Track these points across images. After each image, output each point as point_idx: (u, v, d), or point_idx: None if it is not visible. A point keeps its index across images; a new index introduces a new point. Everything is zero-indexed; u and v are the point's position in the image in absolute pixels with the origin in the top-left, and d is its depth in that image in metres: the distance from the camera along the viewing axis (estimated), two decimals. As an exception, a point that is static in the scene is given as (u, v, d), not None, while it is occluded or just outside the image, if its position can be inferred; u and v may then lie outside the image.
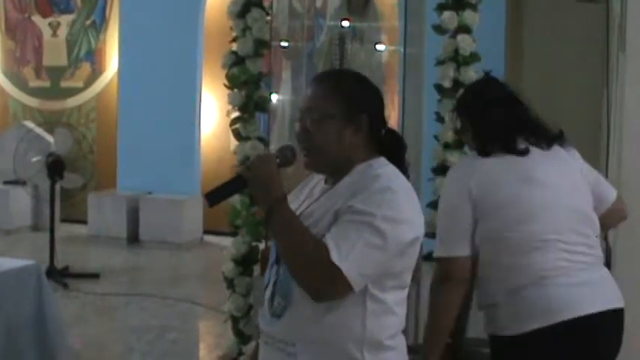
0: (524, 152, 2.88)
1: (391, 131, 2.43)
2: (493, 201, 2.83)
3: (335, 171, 2.35)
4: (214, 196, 2.26)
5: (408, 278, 2.32)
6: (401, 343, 2.35)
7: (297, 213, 2.31)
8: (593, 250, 2.89)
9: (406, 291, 2.33)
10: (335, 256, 2.11)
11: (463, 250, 2.88)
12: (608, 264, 3.31)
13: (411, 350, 2.47)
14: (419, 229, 2.26)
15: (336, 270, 2.11)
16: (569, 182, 2.91)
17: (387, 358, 2.29)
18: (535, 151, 2.90)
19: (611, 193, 3.09)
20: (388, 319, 2.27)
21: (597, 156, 7.32)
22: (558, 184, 2.87)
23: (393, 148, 2.39)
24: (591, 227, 2.91)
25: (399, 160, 2.37)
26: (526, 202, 2.82)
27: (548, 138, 2.96)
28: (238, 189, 2.28)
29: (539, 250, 2.80)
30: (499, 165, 2.88)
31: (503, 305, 2.85)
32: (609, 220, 3.12)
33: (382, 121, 2.39)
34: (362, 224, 2.15)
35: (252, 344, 4.13)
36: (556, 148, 2.96)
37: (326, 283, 2.15)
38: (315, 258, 2.13)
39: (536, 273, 2.79)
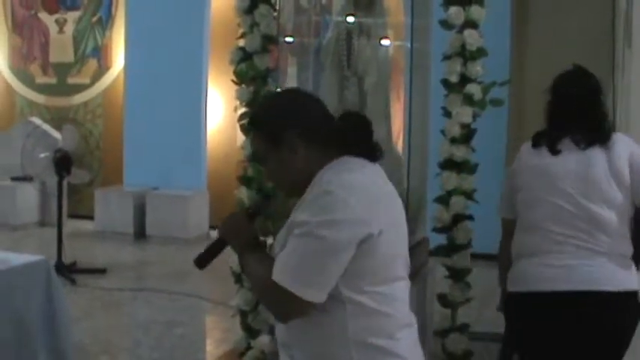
0: (556, 152, 3.36)
1: (347, 115, 2.46)
2: (520, 182, 3.45)
3: (303, 188, 2.33)
4: (202, 260, 2.50)
5: (387, 275, 2.28)
6: (396, 343, 2.29)
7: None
8: (591, 243, 3.26)
9: (393, 287, 2.29)
10: (276, 276, 2.17)
11: (507, 213, 3.57)
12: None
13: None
14: (369, 225, 2.19)
15: (278, 287, 2.16)
16: (584, 184, 3.28)
17: (379, 358, 2.27)
18: (567, 153, 3.34)
19: None
20: (372, 319, 2.25)
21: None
22: (572, 187, 3.29)
23: (355, 130, 2.38)
24: (599, 227, 3.25)
25: (364, 140, 2.37)
26: (536, 191, 3.37)
27: (588, 141, 3.31)
28: (221, 248, 2.49)
29: (534, 233, 3.37)
30: (534, 156, 3.42)
31: (512, 267, 3.47)
32: None
33: (316, 121, 2.36)
34: (300, 236, 2.18)
35: (261, 338, 4.16)
36: (593, 150, 3.31)
37: (277, 304, 2.23)
38: (262, 284, 2.24)
39: (529, 249, 3.38)
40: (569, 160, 3.33)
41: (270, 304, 2.27)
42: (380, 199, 2.28)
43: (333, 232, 2.15)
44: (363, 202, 2.20)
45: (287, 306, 2.19)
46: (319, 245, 2.15)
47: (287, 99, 2.46)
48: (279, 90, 2.67)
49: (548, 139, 3.40)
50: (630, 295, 3.31)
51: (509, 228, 3.57)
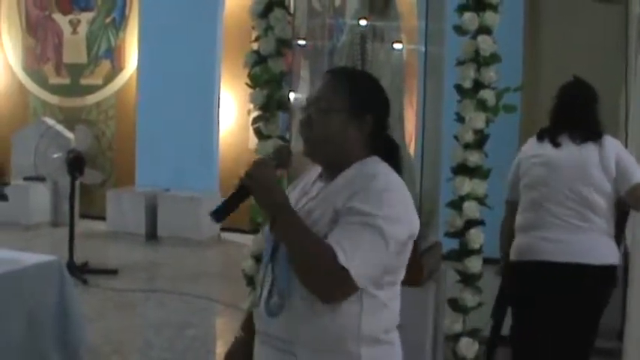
0: (557, 145, 4.10)
1: (388, 137, 2.46)
2: (524, 169, 4.19)
3: (331, 164, 2.37)
4: (220, 212, 2.26)
5: (402, 274, 2.35)
6: (396, 337, 2.38)
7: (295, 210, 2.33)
8: (581, 221, 3.99)
9: (399, 286, 2.36)
10: (342, 259, 2.13)
11: (511, 197, 4.30)
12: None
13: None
14: (415, 227, 2.30)
15: (345, 272, 2.14)
16: (578, 172, 4.01)
17: (384, 352, 2.33)
18: (566, 146, 4.08)
19: (630, 180, 3.99)
20: (383, 314, 2.29)
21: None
22: (566, 173, 4.02)
23: (389, 151, 2.42)
24: (589, 208, 4.00)
25: (393, 163, 2.40)
26: (537, 176, 4.11)
27: (583, 137, 4.05)
28: (242, 199, 2.26)
29: (532, 210, 4.12)
30: (538, 148, 4.15)
31: (515, 240, 4.18)
32: (629, 199, 4.04)
33: (385, 125, 2.43)
34: (364, 225, 2.18)
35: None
36: (586, 145, 4.04)
37: (335, 286, 2.18)
38: (323, 262, 2.15)
39: (530, 225, 4.11)
40: (567, 152, 4.06)
41: (324, 282, 2.18)
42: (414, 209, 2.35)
43: (395, 228, 2.21)
44: (411, 205, 2.30)
45: (343, 290, 2.18)
46: (381, 240, 2.19)
47: (385, 92, 2.47)
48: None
49: (550, 134, 4.13)
50: (610, 268, 4.05)
51: (511, 209, 4.29)
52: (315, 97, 2.39)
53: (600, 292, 4.09)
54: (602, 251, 4.03)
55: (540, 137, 4.18)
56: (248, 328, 2.57)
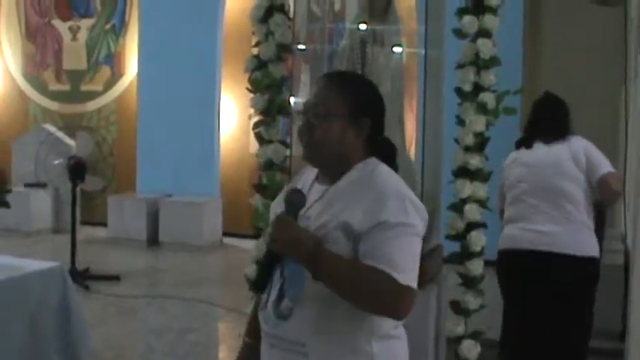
0: (529, 147, 4.58)
1: (385, 138, 2.49)
2: (505, 174, 4.61)
3: (331, 167, 2.39)
4: (260, 284, 2.31)
5: None
6: (403, 332, 2.42)
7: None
8: (561, 212, 4.33)
9: None
10: (402, 278, 2.16)
11: (501, 204, 4.66)
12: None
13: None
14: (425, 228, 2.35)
15: (408, 289, 2.17)
16: (551, 166, 4.41)
17: (393, 346, 2.36)
18: (537, 147, 4.54)
19: (600, 171, 4.38)
20: None
21: (615, 157, 7.35)
22: (541, 169, 4.43)
23: (387, 152, 2.45)
24: (565, 198, 4.35)
25: (390, 164, 2.44)
26: (516, 176, 4.53)
27: (552, 138, 4.52)
28: (275, 263, 2.26)
29: (515, 205, 4.51)
30: (515, 154, 4.63)
31: (501, 232, 4.56)
32: (600, 190, 4.40)
33: (382, 127, 2.46)
34: (402, 236, 2.21)
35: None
36: (556, 144, 4.49)
37: (404, 304, 2.20)
38: (384, 288, 2.16)
39: (511, 217, 4.51)
40: (539, 151, 4.51)
41: (394, 305, 2.19)
42: None
43: (421, 232, 2.27)
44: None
45: (411, 303, 2.21)
46: (418, 246, 2.26)
47: (380, 94, 2.50)
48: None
49: (524, 141, 4.61)
50: (590, 260, 4.32)
51: (500, 202, 4.68)
52: (312, 102, 2.40)
53: (581, 283, 4.35)
54: (582, 243, 4.33)
55: (517, 146, 4.66)
56: (254, 332, 2.57)
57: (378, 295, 2.18)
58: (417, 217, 2.26)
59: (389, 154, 2.45)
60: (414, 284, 2.20)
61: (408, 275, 2.19)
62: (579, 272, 4.33)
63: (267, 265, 2.27)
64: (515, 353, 4.58)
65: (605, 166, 4.42)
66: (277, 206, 2.46)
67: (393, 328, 2.35)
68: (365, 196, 2.27)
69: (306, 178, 2.51)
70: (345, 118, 2.36)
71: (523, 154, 4.58)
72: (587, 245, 4.36)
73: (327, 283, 2.20)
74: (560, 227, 4.33)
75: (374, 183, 2.30)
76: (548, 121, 4.59)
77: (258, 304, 2.51)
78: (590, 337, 4.50)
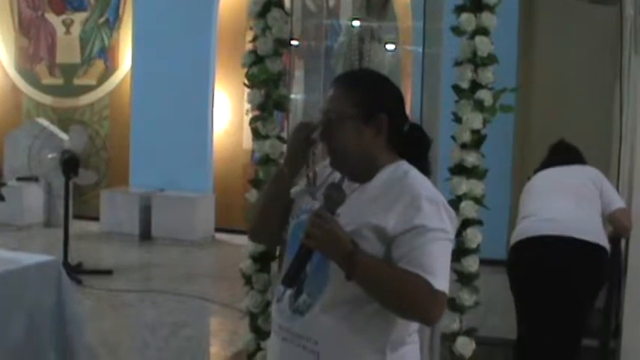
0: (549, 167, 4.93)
1: (415, 127, 2.46)
2: (529, 187, 4.92)
3: (359, 172, 2.34)
4: (292, 279, 2.23)
5: None
6: (417, 338, 2.41)
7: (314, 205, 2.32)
8: (573, 205, 4.52)
9: None
10: (436, 283, 2.15)
11: None
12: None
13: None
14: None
15: (441, 294, 2.17)
16: (567, 174, 4.78)
17: (407, 353, 2.34)
18: (558, 169, 4.88)
19: (612, 206, 4.64)
20: None
21: (609, 156, 7.37)
22: (558, 176, 4.80)
23: (417, 145, 2.42)
24: (579, 196, 4.59)
25: (421, 157, 2.42)
26: (531, 184, 4.91)
27: (571, 161, 4.88)
28: (308, 259, 2.20)
29: (529, 203, 4.77)
30: (542, 174, 4.94)
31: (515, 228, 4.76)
32: (612, 223, 4.71)
33: (402, 119, 2.41)
34: (439, 241, 2.21)
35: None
36: (575, 166, 4.85)
37: (437, 310, 2.20)
38: (419, 293, 2.15)
39: (525, 214, 4.72)
40: (557, 168, 4.87)
41: (426, 310, 2.18)
42: None
43: (452, 237, 2.28)
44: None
45: (443, 308, 2.21)
46: (449, 249, 2.26)
47: (394, 86, 2.45)
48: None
49: (546, 166, 4.96)
50: (600, 248, 4.45)
51: None
52: (325, 108, 2.37)
53: (592, 269, 4.47)
54: (593, 231, 4.48)
55: (539, 169, 5.02)
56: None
57: (413, 299, 2.17)
58: (450, 223, 2.26)
59: (419, 149, 2.42)
60: (447, 289, 2.19)
61: (442, 280, 2.18)
62: (589, 258, 4.45)
63: (301, 262, 2.21)
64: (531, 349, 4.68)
65: (617, 201, 4.69)
66: (300, 200, 2.46)
67: (409, 335, 2.34)
68: (399, 199, 2.24)
69: (326, 169, 2.47)
70: (358, 118, 2.31)
71: (544, 174, 4.92)
72: (597, 234, 4.49)
73: (361, 283, 2.17)
74: (571, 215, 4.51)
75: (408, 187, 2.27)
76: (565, 156, 4.94)
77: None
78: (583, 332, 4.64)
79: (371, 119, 2.32)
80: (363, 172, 2.35)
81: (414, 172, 2.33)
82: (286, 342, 2.35)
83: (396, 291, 2.18)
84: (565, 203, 4.58)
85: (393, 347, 2.29)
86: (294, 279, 2.23)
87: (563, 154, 4.98)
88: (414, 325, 2.36)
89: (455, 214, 2.33)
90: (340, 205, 2.22)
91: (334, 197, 2.22)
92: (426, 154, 2.45)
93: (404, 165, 2.35)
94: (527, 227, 4.63)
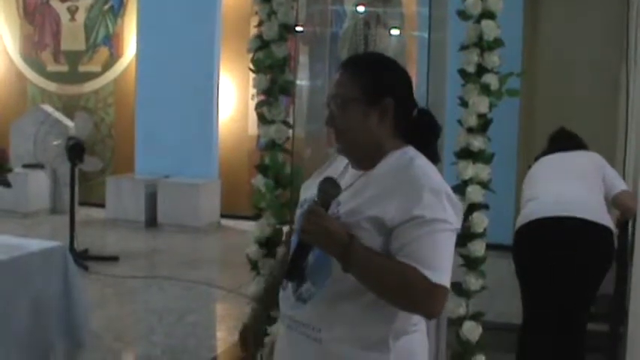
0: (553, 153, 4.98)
1: (423, 112, 2.40)
2: (532, 173, 5.00)
3: (365, 157, 2.32)
4: (293, 274, 2.24)
5: None
6: (423, 326, 2.37)
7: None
8: (576, 187, 4.61)
9: None
10: (433, 276, 2.11)
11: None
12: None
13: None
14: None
15: (440, 288, 2.13)
16: (571, 161, 4.83)
17: (411, 342, 2.31)
18: (560, 154, 4.93)
19: (615, 189, 4.69)
20: None
21: (614, 141, 7.36)
22: (560, 160, 4.86)
23: (426, 131, 2.37)
24: (582, 179, 4.67)
25: (430, 144, 2.37)
26: (535, 168, 4.97)
27: (572, 147, 4.95)
28: (307, 253, 2.21)
29: (534, 186, 4.83)
30: (544, 159, 4.99)
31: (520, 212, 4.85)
32: (616, 206, 4.76)
33: (410, 104, 2.36)
34: (439, 232, 2.15)
35: (277, 326, 4.18)
36: (577, 151, 4.91)
37: (436, 303, 2.16)
38: (415, 286, 2.12)
39: (530, 196, 4.77)
40: (559, 155, 4.91)
41: (424, 303, 2.15)
42: None
43: (456, 228, 2.21)
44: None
45: (443, 302, 2.18)
46: (453, 234, 2.20)
47: (402, 70, 2.41)
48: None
49: (549, 152, 5.01)
50: (605, 229, 4.48)
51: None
52: (332, 93, 2.34)
53: (597, 249, 4.52)
54: (597, 211, 4.53)
55: (542, 155, 5.06)
56: (267, 302, 2.57)
57: (410, 293, 2.14)
58: (454, 213, 2.20)
59: (427, 136, 2.37)
60: (447, 282, 2.15)
61: (441, 273, 2.13)
62: (594, 238, 4.51)
63: (298, 256, 2.22)
64: (533, 331, 4.73)
65: (620, 184, 4.76)
66: (307, 191, 2.44)
67: (413, 325, 2.31)
68: (400, 188, 2.20)
69: (338, 163, 2.46)
70: (363, 101, 2.28)
71: (547, 160, 4.97)
72: (602, 215, 4.55)
73: (357, 276, 2.16)
74: (575, 196, 4.58)
75: (410, 175, 2.22)
76: (566, 143, 4.99)
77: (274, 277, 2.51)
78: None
79: (376, 103, 2.28)
80: (368, 158, 2.32)
81: (420, 160, 2.28)
82: (291, 330, 2.35)
83: (392, 286, 2.15)
84: (569, 186, 4.65)
85: (396, 336, 2.26)
86: (293, 273, 2.24)
87: (565, 141, 5.03)
88: (416, 317, 2.31)
89: (461, 204, 2.29)
90: (334, 199, 2.21)
91: (329, 191, 2.22)
92: (434, 140, 2.40)
93: (410, 151, 2.30)
94: (532, 210, 4.67)
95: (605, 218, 4.56)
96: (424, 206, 2.14)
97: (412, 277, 2.10)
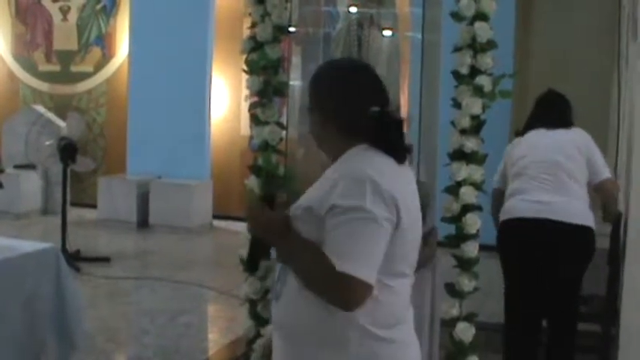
0: (532, 130, 4.93)
1: (377, 111, 2.36)
2: (510, 153, 4.95)
3: (334, 159, 2.40)
4: (253, 264, 2.61)
5: (396, 269, 2.31)
6: (403, 336, 2.35)
7: None
8: (560, 184, 4.65)
9: (397, 282, 2.32)
10: (341, 265, 2.12)
11: (499, 184, 5.01)
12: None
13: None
14: (398, 211, 2.24)
15: (346, 276, 2.12)
16: (552, 145, 4.74)
17: (379, 347, 2.28)
18: (541, 131, 4.88)
19: (601, 175, 4.73)
20: (376, 308, 2.25)
21: (606, 142, 7.38)
22: (543, 146, 4.77)
23: (380, 129, 2.35)
24: (565, 172, 4.67)
25: (387, 141, 2.35)
26: (518, 154, 4.85)
27: (554, 124, 4.87)
28: (259, 245, 2.49)
29: (516, 180, 4.80)
30: (518, 140, 4.98)
31: (504, 205, 4.84)
32: (600, 192, 4.79)
33: (357, 108, 2.37)
34: (356, 221, 2.16)
35: (270, 327, 4.18)
36: (558, 130, 4.84)
37: (344, 293, 2.15)
38: (323, 273, 2.15)
39: (512, 191, 4.80)
40: (541, 133, 4.84)
41: (336, 293, 2.16)
42: (402, 193, 2.29)
43: (381, 217, 2.18)
44: (393, 189, 2.24)
45: (356, 293, 2.15)
46: (370, 228, 2.17)
47: (346, 74, 2.47)
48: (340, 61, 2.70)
49: (528, 128, 4.95)
50: (587, 229, 4.61)
51: (498, 197, 4.94)
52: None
53: (578, 252, 4.66)
54: (579, 213, 4.63)
55: (517, 135, 5.05)
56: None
57: (318, 282, 2.19)
58: (379, 202, 2.18)
59: (383, 134, 2.36)
60: (358, 272, 2.13)
61: (351, 262, 2.13)
62: (576, 240, 4.63)
63: (252, 249, 2.51)
64: (515, 331, 4.87)
65: (605, 171, 4.79)
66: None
67: (385, 330, 2.28)
68: (329, 180, 2.27)
69: None
70: (319, 109, 2.41)
71: (526, 136, 4.92)
72: (584, 215, 4.65)
73: (292, 268, 2.29)
74: (558, 197, 4.63)
75: (341, 167, 2.30)
76: (551, 113, 4.92)
77: None
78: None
79: (327, 108, 2.40)
80: (335, 159, 2.39)
81: (361, 152, 2.32)
82: (274, 330, 2.44)
83: (308, 274, 2.23)
84: (552, 184, 4.68)
85: (359, 339, 2.24)
86: (250, 265, 2.57)
87: (551, 113, 4.96)
88: (382, 318, 2.28)
89: (392, 193, 2.21)
90: (277, 194, 2.46)
91: (272, 188, 2.56)
92: (393, 137, 2.37)
93: (360, 148, 2.34)
94: (517, 206, 4.74)
95: (588, 218, 4.68)
96: (341, 195, 2.19)
97: (322, 266, 2.14)
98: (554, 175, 4.68)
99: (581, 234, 4.64)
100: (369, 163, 2.27)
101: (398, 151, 2.37)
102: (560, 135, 4.82)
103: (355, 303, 2.17)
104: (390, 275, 2.28)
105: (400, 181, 2.31)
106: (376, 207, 2.17)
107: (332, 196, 2.19)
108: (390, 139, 2.36)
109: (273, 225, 2.33)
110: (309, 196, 2.30)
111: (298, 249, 2.26)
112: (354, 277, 2.12)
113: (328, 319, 2.23)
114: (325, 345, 2.25)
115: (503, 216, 4.81)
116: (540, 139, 4.85)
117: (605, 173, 4.80)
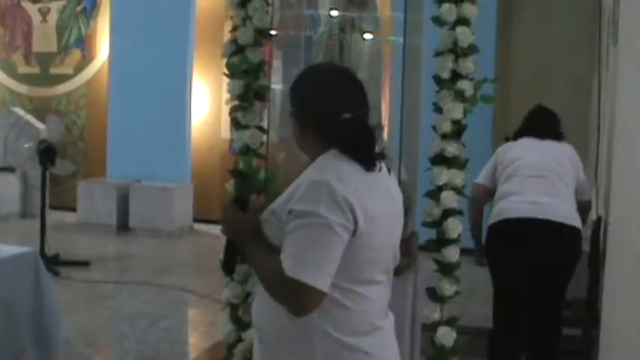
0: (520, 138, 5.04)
1: (347, 118, 2.34)
2: (500, 156, 4.97)
3: (311, 162, 2.41)
4: (228, 266, 2.64)
5: (363, 276, 2.29)
6: (366, 340, 2.31)
7: None
8: (549, 186, 4.72)
9: (367, 289, 2.30)
10: (289, 269, 2.12)
11: (486, 181, 4.99)
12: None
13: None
14: (357, 217, 2.21)
15: (294, 282, 2.12)
16: (543, 151, 4.87)
17: (347, 357, 2.27)
18: (531, 139, 4.97)
19: (585, 195, 4.97)
20: (342, 315, 2.25)
21: (586, 148, 7.41)
22: (534, 152, 4.88)
23: (349, 136, 2.33)
24: (556, 175, 4.76)
25: (356, 148, 2.32)
26: (510, 158, 4.89)
27: (545, 135, 4.96)
28: (233, 246, 2.49)
29: (507, 182, 4.82)
30: (513, 145, 5.02)
31: (494, 207, 4.87)
32: (581, 210, 4.85)
33: (332, 115, 2.35)
34: (309, 227, 2.16)
35: (251, 331, 4.16)
36: (547, 140, 4.94)
37: (294, 298, 2.16)
38: (274, 278, 2.18)
39: (503, 193, 4.81)
40: (532, 141, 4.95)
41: (286, 298, 2.17)
42: (362, 200, 2.25)
43: (337, 223, 2.16)
44: (350, 195, 2.20)
45: (305, 299, 2.14)
46: (324, 234, 2.15)
47: (322, 80, 2.48)
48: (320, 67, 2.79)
49: (519, 137, 5.03)
50: (576, 230, 4.69)
51: (483, 194, 4.97)
52: None
53: (567, 252, 4.72)
54: (569, 214, 4.71)
55: (514, 139, 5.10)
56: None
57: (272, 287, 2.23)
58: (334, 208, 2.16)
59: (352, 141, 2.33)
60: (309, 279, 2.12)
61: (301, 268, 2.12)
62: (564, 239, 4.68)
63: (226, 251, 2.52)
64: (503, 334, 4.84)
65: (590, 192, 5.11)
66: None
67: (359, 336, 2.27)
68: (296, 183, 2.29)
69: None
70: (295, 115, 2.44)
71: (519, 142, 5.01)
72: (572, 217, 4.73)
73: (254, 271, 2.35)
74: (547, 198, 4.69)
75: (309, 170, 2.31)
76: (542, 125, 5.04)
77: None
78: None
79: (301, 114, 2.43)
80: (312, 162, 2.40)
81: (325, 159, 2.31)
82: (254, 331, 2.48)
83: (264, 279, 2.26)
84: (543, 186, 4.74)
85: (322, 342, 2.24)
86: (225, 267, 2.62)
87: (540, 122, 5.08)
88: (363, 325, 2.28)
89: (353, 200, 2.19)
90: (250, 195, 2.47)
91: (243, 189, 2.52)
92: (363, 144, 2.34)
93: (329, 153, 2.33)
94: (507, 207, 4.75)
95: (577, 219, 4.75)
96: (297, 200, 2.21)
97: (275, 271, 2.16)
98: (545, 178, 4.75)
99: (569, 233, 4.68)
100: (331, 168, 2.26)
101: (366, 157, 2.34)
102: (551, 144, 4.93)
103: (305, 309, 2.17)
104: (356, 282, 2.27)
105: (363, 187, 2.26)
106: (331, 213, 2.15)
107: (291, 200, 2.22)
108: (357, 145, 2.33)
109: (241, 227, 2.38)
110: (278, 200, 2.32)
111: (257, 252, 2.30)
112: (304, 283, 2.12)
113: (294, 323, 2.22)
114: (296, 351, 2.26)
115: (493, 218, 4.81)
116: (533, 144, 4.94)
117: (589, 195, 5.07)
